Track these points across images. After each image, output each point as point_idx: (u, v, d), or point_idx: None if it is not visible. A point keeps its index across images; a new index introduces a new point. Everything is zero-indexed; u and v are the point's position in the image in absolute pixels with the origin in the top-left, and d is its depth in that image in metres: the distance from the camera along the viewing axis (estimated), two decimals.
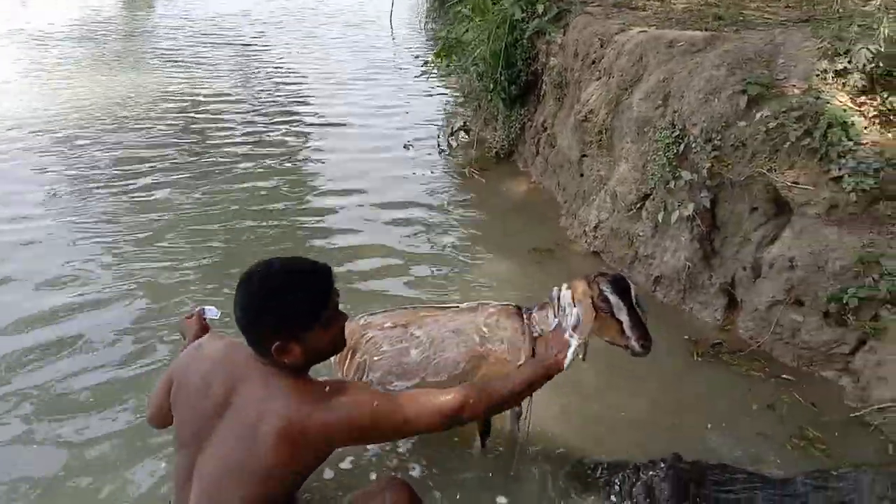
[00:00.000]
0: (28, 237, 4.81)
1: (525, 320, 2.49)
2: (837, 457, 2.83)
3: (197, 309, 2.54)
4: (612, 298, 2.27)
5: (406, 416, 1.97)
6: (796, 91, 3.58)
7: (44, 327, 3.69)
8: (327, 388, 1.92)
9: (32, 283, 4.16)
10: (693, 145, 3.75)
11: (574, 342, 2.22)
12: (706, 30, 4.44)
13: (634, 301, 2.30)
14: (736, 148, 3.65)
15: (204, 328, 2.47)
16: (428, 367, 2.52)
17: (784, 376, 3.36)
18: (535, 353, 2.42)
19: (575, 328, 2.26)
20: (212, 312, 2.50)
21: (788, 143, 3.43)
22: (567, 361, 2.19)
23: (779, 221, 3.59)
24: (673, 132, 3.86)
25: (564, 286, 2.36)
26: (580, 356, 2.29)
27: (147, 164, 6.37)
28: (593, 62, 5.02)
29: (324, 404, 1.87)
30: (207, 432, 1.94)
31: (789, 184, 3.44)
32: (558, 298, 2.35)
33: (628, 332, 2.26)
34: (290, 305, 1.90)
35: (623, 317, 2.27)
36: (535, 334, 2.46)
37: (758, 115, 3.58)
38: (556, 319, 2.34)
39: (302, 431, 1.84)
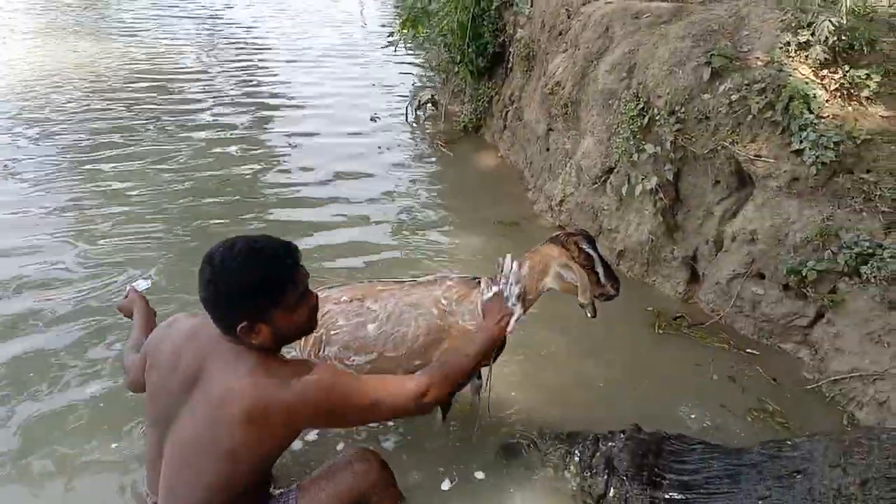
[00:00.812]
0: None
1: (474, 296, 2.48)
2: (795, 428, 2.88)
3: (129, 287, 2.57)
4: (593, 254, 2.38)
5: (372, 399, 1.95)
6: (759, 63, 3.58)
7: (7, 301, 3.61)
8: (292, 369, 1.88)
9: None
10: (657, 118, 3.74)
11: (518, 311, 2.29)
12: (672, 1, 4.41)
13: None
14: (699, 121, 3.64)
15: (140, 299, 2.50)
16: (386, 341, 2.49)
17: (747, 350, 3.39)
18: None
19: (519, 297, 2.32)
20: (141, 285, 2.56)
21: (751, 115, 3.43)
22: (510, 328, 2.26)
23: (741, 195, 3.60)
24: (637, 105, 3.85)
25: (509, 256, 2.40)
26: (589, 314, 2.38)
27: (110, 138, 6.22)
28: (560, 34, 4.98)
29: (287, 385, 1.83)
30: (175, 410, 1.91)
31: (752, 157, 3.44)
32: (502, 268, 2.39)
33: (604, 280, 2.40)
34: (254, 286, 1.83)
35: (599, 269, 2.39)
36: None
37: (721, 88, 3.58)
38: (496, 287, 2.37)
39: (265, 413, 1.81)
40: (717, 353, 3.37)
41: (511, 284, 2.34)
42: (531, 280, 2.41)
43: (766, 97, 3.39)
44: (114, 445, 2.68)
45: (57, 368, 3.09)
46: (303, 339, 2.61)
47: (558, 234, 2.46)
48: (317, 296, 2.03)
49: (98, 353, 3.20)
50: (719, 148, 3.58)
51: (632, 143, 3.81)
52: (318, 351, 2.60)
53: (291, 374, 1.86)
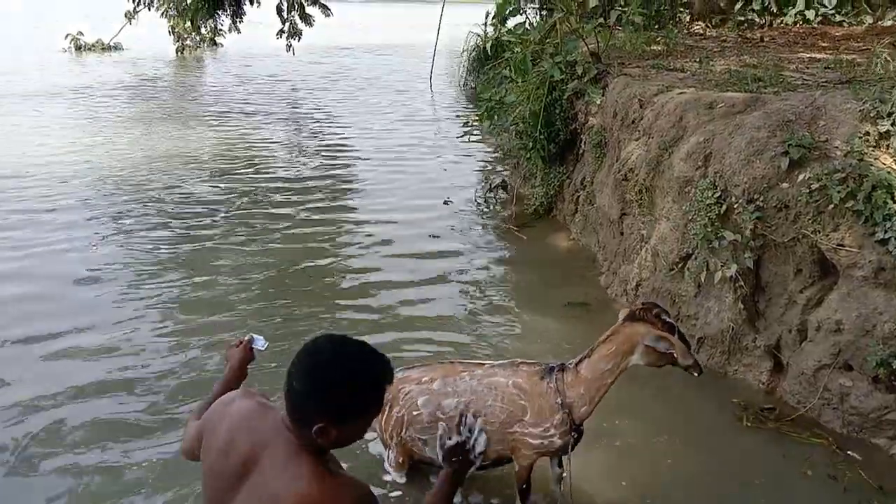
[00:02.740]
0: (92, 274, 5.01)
1: (549, 384, 2.54)
2: None
3: (246, 337, 2.50)
4: (674, 322, 2.50)
5: None
6: (839, 153, 3.58)
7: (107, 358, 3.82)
8: (345, 485, 1.86)
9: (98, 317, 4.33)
10: (735, 206, 3.75)
11: (478, 463, 2.21)
12: (746, 91, 4.47)
13: None
14: (779, 209, 3.64)
15: (248, 356, 2.48)
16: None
17: (848, 452, 3.24)
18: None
19: (481, 453, 2.23)
20: (259, 343, 2.46)
21: (832, 205, 3.41)
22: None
23: (825, 283, 3.55)
24: (714, 192, 3.87)
25: (471, 414, 2.32)
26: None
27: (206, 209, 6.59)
28: (633, 122, 5.09)
29: (339, 495, 1.81)
30: (230, 495, 1.92)
31: (834, 246, 3.41)
32: (465, 422, 2.28)
33: (682, 355, 2.47)
34: (354, 395, 1.85)
35: (677, 341, 2.46)
36: (558, 401, 2.51)
37: (800, 177, 3.58)
38: (458, 438, 2.25)
39: None
40: (812, 451, 3.24)
41: (476, 437, 2.24)
42: (616, 360, 2.46)
43: (847, 186, 3.37)
44: None
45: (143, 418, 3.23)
46: (384, 417, 2.68)
47: (633, 311, 2.53)
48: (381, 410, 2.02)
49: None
50: (800, 237, 3.56)
51: (710, 230, 3.83)
52: (401, 430, 2.66)
53: (345, 492, 1.83)
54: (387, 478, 2.88)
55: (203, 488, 2.06)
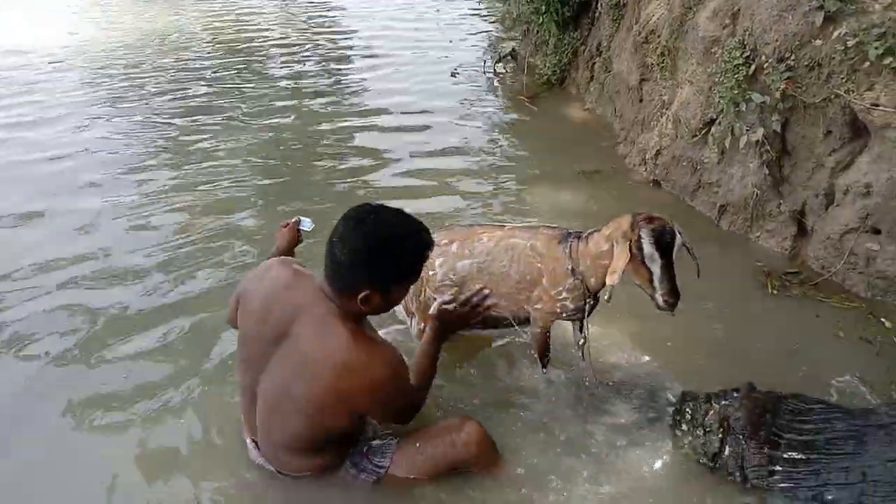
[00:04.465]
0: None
1: (564, 249, 2.49)
2: None
3: (293, 219, 2.57)
4: (647, 248, 2.25)
5: (410, 404, 2.10)
6: (878, 6, 3.35)
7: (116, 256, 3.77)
8: (382, 350, 1.92)
9: (96, 209, 4.27)
10: (765, 66, 3.57)
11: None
12: None
13: (675, 254, 2.28)
14: (811, 68, 3.46)
15: (296, 238, 2.54)
16: (482, 277, 2.55)
17: (882, 319, 3.15)
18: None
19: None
20: (306, 224, 2.55)
21: (868, 62, 3.22)
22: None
23: (855, 146, 3.42)
24: (743, 52, 3.68)
25: None
26: (606, 297, 2.30)
27: (200, 97, 6.38)
28: None
29: (376, 365, 1.88)
30: (265, 359, 1.98)
31: (868, 106, 3.26)
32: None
33: (656, 284, 2.28)
34: (400, 261, 1.89)
35: (655, 268, 2.27)
36: (569, 267, 2.45)
37: (835, 33, 3.37)
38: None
39: (349, 386, 1.87)
40: (843, 315, 3.19)
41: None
42: (608, 247, 2.36)
43: (885, 42, 3.18)
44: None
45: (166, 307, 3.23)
46: None
47: (644, 212, 2.35)
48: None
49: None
50: (832, 97, 3.40)
51: (736, 92, 3.66)
52: (420, 295, 2.65)
53: (381, 355, 1.90)
54: (411, 345, 2.89)
55: (239, 352, 2.12)
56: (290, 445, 2.06)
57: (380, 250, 1.83)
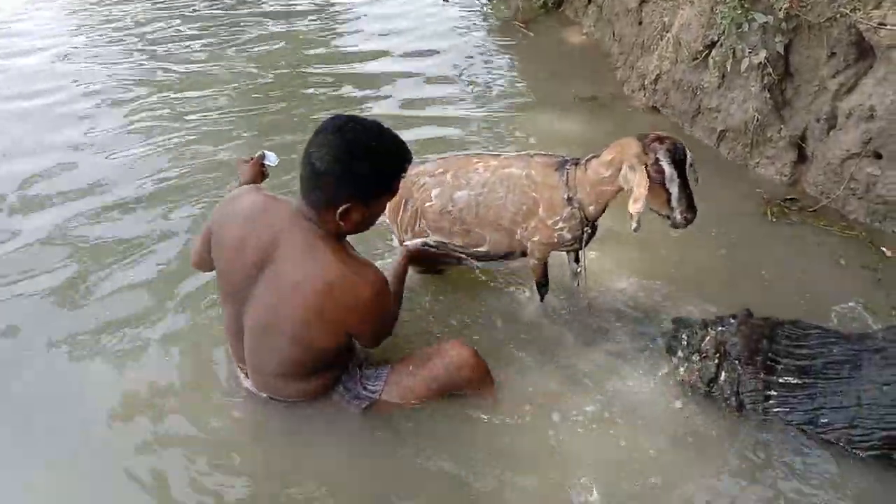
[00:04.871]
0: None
1: (561, 177, 2.42)
2: None
3: (258, 153, 2.49)
4: (668, 169, 2.17)
5: (387, 318, 2.11)
6: None
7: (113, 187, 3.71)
8: (365, 269, 1.90)
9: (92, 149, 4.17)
10: None
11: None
12: None
13: (689, 170, 2.21)
14: None
15: (260, 173, 2.45)
16: (479, 208, 2.50)
17: (882, 248, 3.13)
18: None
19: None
20: (271, 158, 2.45)
21: None
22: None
23: (859, 67, 3.33)
24: None
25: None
26: (633, 226, 2.23)
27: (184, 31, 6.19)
28: None
29: (361, 284, 1.86)
30: (249, 286, 1.95)
31: (875, 25, 3.14)
32: None
33: (675, 203, 2.21)
34: (381, 169, 1.85)
35: (674, 188, 2.19)
36: (567, 195, 2.39)
37: None
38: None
39: (336, 304, 1.86)
40: (844, 243, 3.17)
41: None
42: (612, 171, 2.29)
43: None
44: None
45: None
46: (400, 213, 2.63)
47: (650, 133, 2.28)
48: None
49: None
50: (837, 16, 3.28)
51: (739, 12, 3.53)
52: (415, 225, 2.61)
53: (366, 274, 1.87)
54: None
55: (220, 286, 2.07)
56: (281, 371, 2.05)
57: (362, 156, 1.78)
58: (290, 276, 1.86)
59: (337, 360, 2.12)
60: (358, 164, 1.78)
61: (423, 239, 2.58)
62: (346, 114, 1.87)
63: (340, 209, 1.81)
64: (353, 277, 1.84)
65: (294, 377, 2.07)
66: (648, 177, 2.18)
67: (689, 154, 2.22)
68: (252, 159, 2.47)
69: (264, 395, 2.18)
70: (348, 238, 1.98)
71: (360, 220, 1.89)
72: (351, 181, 1.80)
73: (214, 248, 2.03)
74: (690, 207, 2.22)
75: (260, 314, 1.95)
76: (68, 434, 2.26)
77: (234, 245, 1.94)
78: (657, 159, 2.18)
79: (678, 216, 2.23)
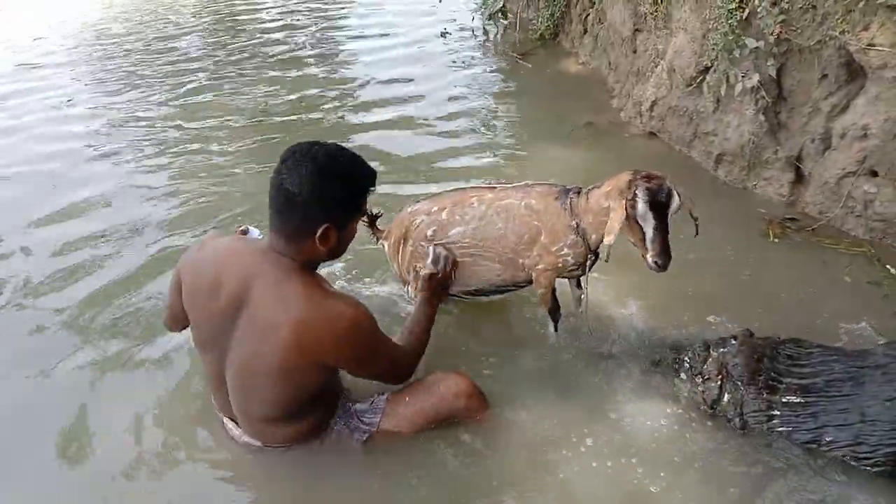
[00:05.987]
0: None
1: (563, 205, 2.44)
2: None
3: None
4: (641, 207, 2.19)
5: (392, 359, 2.07)
6: None
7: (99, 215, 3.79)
8: (341, 303, 1.87)
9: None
10: (758, 9, 3.50)
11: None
12: None
13: (671, 215, 2.22)
14: (805, 10, 3.39)
15: None
16: (475, 239, 2.53)
17: (887, 266, 3.13)
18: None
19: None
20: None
21: (863, 2, 3.16)
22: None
23: (851, 88, 3.37)
24: None
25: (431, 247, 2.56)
26: (604, 257, 2.27)
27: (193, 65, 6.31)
28: None
29: (337, 319, 1.83)
30: (226, 334, 1.92)
31: (864, 46, 3.20)
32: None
33: (648, 243, 2.23)
34: (353, 187, 1.88)
35: (647, 228, 2.21)
36: (573, 223, 2.42)
37: None
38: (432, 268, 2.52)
39: (314, 343, 1.84)
40: (850, 259, 3.18)
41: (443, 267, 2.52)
42: (610, 202, 2.30)
43: None
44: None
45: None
46: (400, 254, 2.66)
47: (643, 170, 2.28)
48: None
49: None
50: (827, 39, 3.34)
51: (731, 38, 3.60)
52: (416, 263, 2.63)
53: (336, 307, 1.85)
54: (393, 310, 2.88)
55: (195, 337, 2.05)
56: (271, 416, 2.02)
57: (334, 178, 1.81)
58: (267, 319, 1.83)
59: (323, 398, 2.09)
60: (332, 186, 1.81)
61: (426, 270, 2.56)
62: (311, 141, 1.89)
63: (319, 232, 1.82)
64: (325, 311, 1.82)
65: (285, 420, 2.03)
66: (626, 212, 2.21)
67: (677, 198, 2.21)
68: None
69: (259, 443, 2.14)
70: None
71: (336, 243, 1.89)
72: (327, 203, 1.82)
73: (186, 297, 1.99)
74: (663, 252, 2.22)
75: (242, 362, 1.92)
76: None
77: (208, 291, 1.91)
78: (635, 195, 2.20)
79: (649, 258, 2.24)
